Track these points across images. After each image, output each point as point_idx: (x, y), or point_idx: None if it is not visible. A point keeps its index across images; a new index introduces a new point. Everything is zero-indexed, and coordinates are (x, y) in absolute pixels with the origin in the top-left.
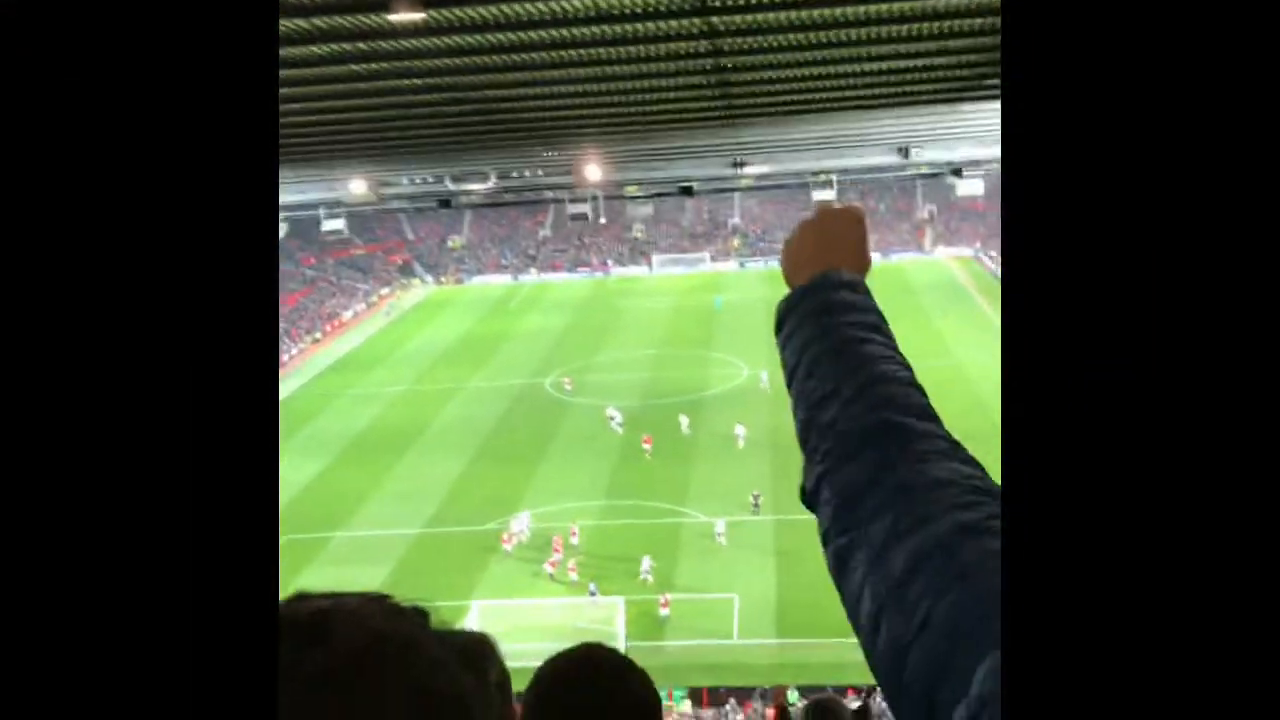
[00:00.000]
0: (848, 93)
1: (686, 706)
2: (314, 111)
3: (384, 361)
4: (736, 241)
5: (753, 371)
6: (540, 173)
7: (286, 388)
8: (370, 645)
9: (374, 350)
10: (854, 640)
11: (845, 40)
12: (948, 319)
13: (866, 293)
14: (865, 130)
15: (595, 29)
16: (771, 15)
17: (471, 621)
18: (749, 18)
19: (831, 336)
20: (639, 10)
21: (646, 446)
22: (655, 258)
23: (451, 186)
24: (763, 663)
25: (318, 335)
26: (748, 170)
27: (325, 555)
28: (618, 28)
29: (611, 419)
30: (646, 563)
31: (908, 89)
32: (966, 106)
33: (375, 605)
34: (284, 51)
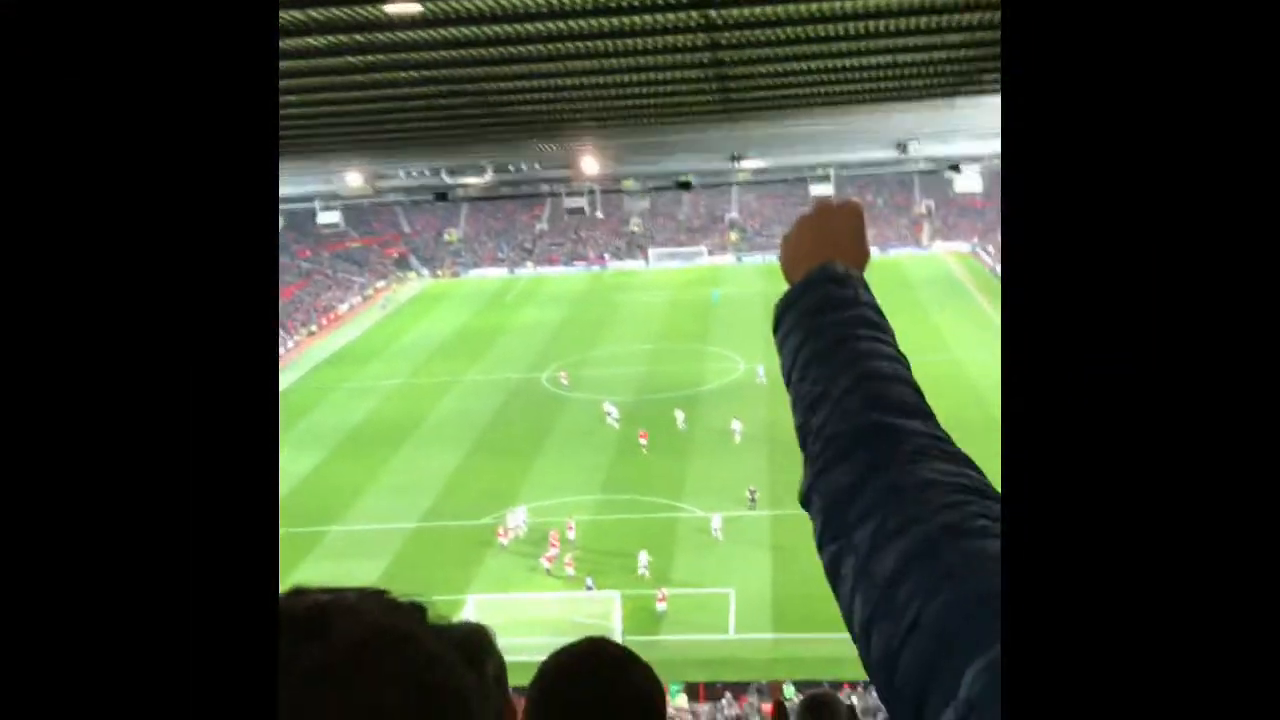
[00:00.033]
0: (845, 87)
1: (682, 701)
2: (310, 104)
3: (380, 355)
4: (734, 235)
5: (749, 366)
6: (537, 166)
7: (282, 381)
8: (369, 639)
9: (370, 343)
10: (849, 635)
11: (843, 34)
12: (945, 314)
13: (864, 286)
14: (863, 125)
15: (592, 21)
16: (769, 9)
17: (468, 616)
18: (747, 11)
19: (823, 335)
20: (636, 3)
21: (643, 441)
22: (652, 251)
23: (448, 179)
24: (758, 658)
25: (313, 328)
26: (745, 164)
27: (321, 549)
28: (615, 20)
29: (608, 414)
30: (644, 558)
31: (906, 83)
32: (964, 101)
33: (373, 600)
34: (280, 44)
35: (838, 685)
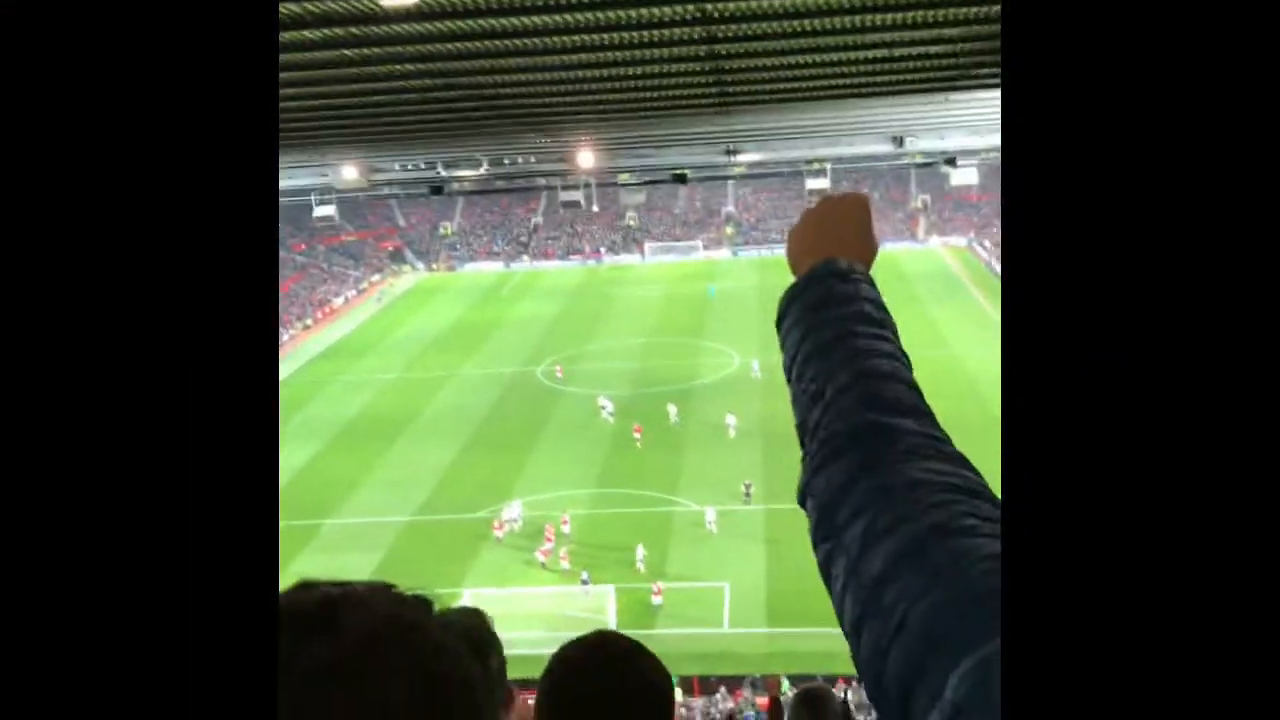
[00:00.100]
0: (842, 80)
1: (677, 695)
2: (306, 96)
3: (375, 348)
4: (730, 229)
5: (744, 360)
6: (533, 159)
7: None
8: (378, 631)
9: (365, 337)
10: (842, 633)
11: (839, 28)
12: (941, 308)
13: (868, 282)
14: (859, 118)
15: (588, 15)
16: (765, 2)
17: None
18: (743, 4)
19: (823, 331)
20: None
21: (637, 436)
22: (648, 245)
23: (443, 173)
24: (753, 652)
25: (308, 322)
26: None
27: (316, 542)
28: (611, 13)
29: (603, 408)
30: (640, 552)
31: (902, 77)
32: (960, 95)
33: (381, 593)
34: None
35: (832, 680)
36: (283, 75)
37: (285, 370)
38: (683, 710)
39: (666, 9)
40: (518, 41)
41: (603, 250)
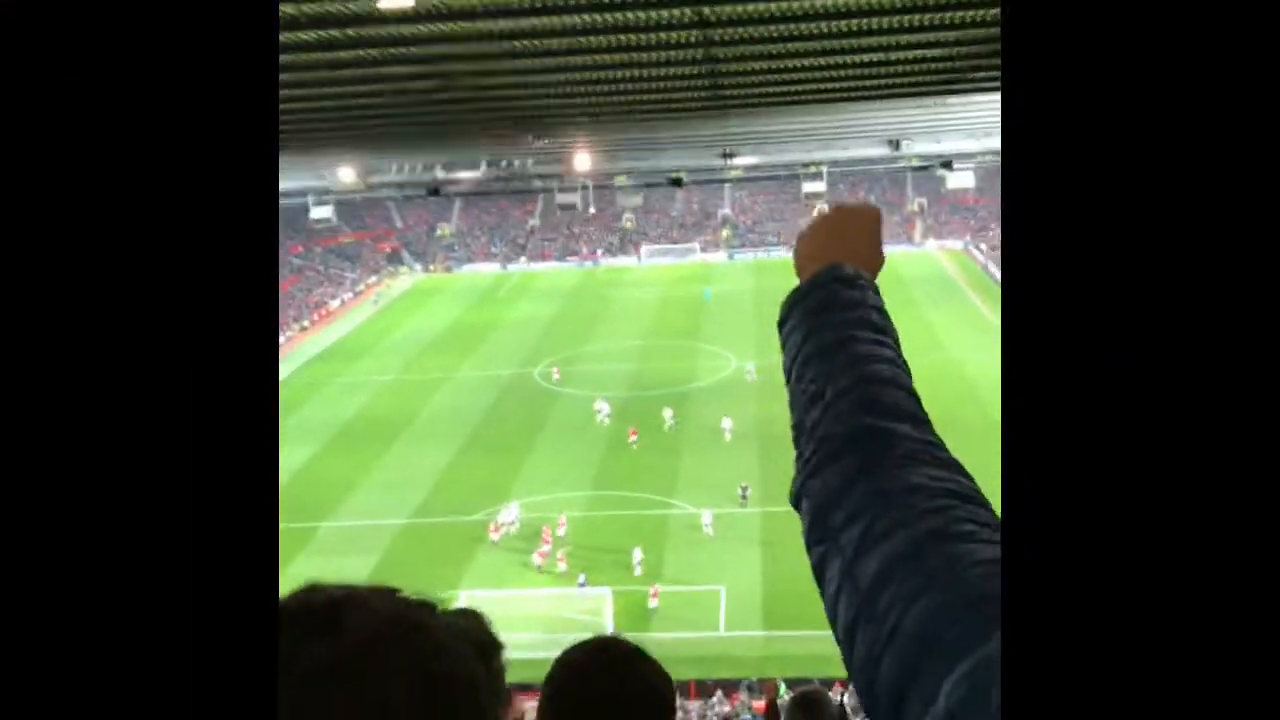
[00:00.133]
0: (838, 84)
1: None
2: (303, 99)
3: (372, 350)
4: (726, 232)
5: (740, 363)
6: (530, 162)
7: None
8: (381, 632)
9: (362, 339)
10: (835, 638)
11: (835, 31)
12: (938, 311)
13: (872, 289)
14: (855, 122)
15: (586, 18)
16: (762, 5)
17: None
18: (740, 8)
19: (823, 335)
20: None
21: (633, 438)
22: (644, 248)
23: (441, 175)
24: (749, 655)
25: (305, 323)
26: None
27: (313, 545)
28: (608, 16)
29: (599, 411)
30: (638, 554)
31: (898, 80)
32: (957, 99)
33: (387, 595)
34: None
35: (829, 683)
36: (282, 76)
37: (282, 372)
38: (679, 714)
39: (663, 12)
40: (514, 44)
41: (599, 252)
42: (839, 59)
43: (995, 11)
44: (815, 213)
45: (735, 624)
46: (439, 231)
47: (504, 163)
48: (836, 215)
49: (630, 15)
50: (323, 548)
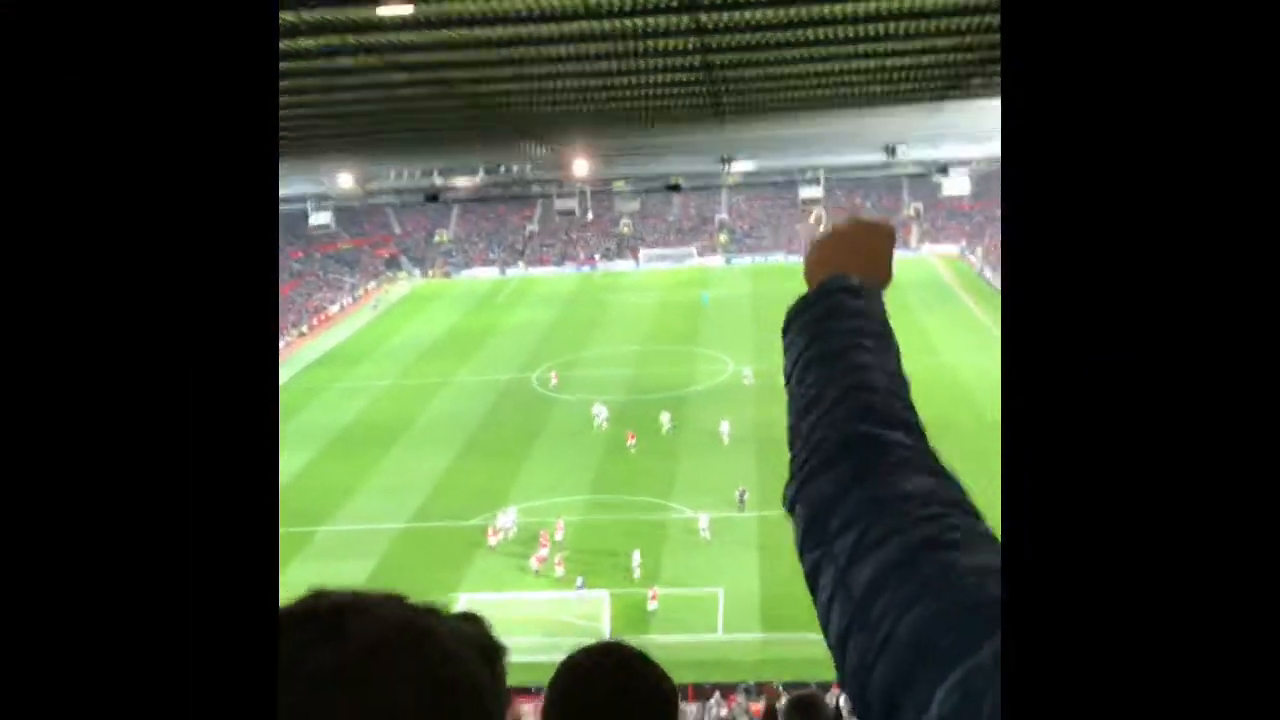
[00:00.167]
0: (834, 90)
1: None
2: (302, 105)
3: (370, 355)
4: (723, 237)
5: (738, 367)
6: (528, 168)
7: None
8: (387, 637)
9: (360, 344)
10: (827, 645)
11: (832, 38)
12: (934, 316)
13: (877, 301)
14: (852, 128)
15: (584, 25)
16: (759, 13)
17: None
18: (737, 15)
19: (825, 342)
20: (628, 7)
21: (631, 443)
22: (642, 253)
23: (439, 181)
24: (747, 658)
25: (304, 329)
26: (735, 167)
27: (311, 549)
28: (606, 24)
29: (597, 415)
30: (636, 557)
31: (894, 87)
32: (952, 105)
33: (392, 601)
34: None
35: (825, 686)
36: (281, 83)
37: (281, 377)
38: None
39: (662, 19)
40: (513, 51)
41: (597, 257)
42: (836, 66)
43: (991, 19)
44: (813, 219)
45: (733, 627)
46: (437, 237)
47: (502, 169)
48: (852, 229)
49: (629, 23)
50: (320, 552)
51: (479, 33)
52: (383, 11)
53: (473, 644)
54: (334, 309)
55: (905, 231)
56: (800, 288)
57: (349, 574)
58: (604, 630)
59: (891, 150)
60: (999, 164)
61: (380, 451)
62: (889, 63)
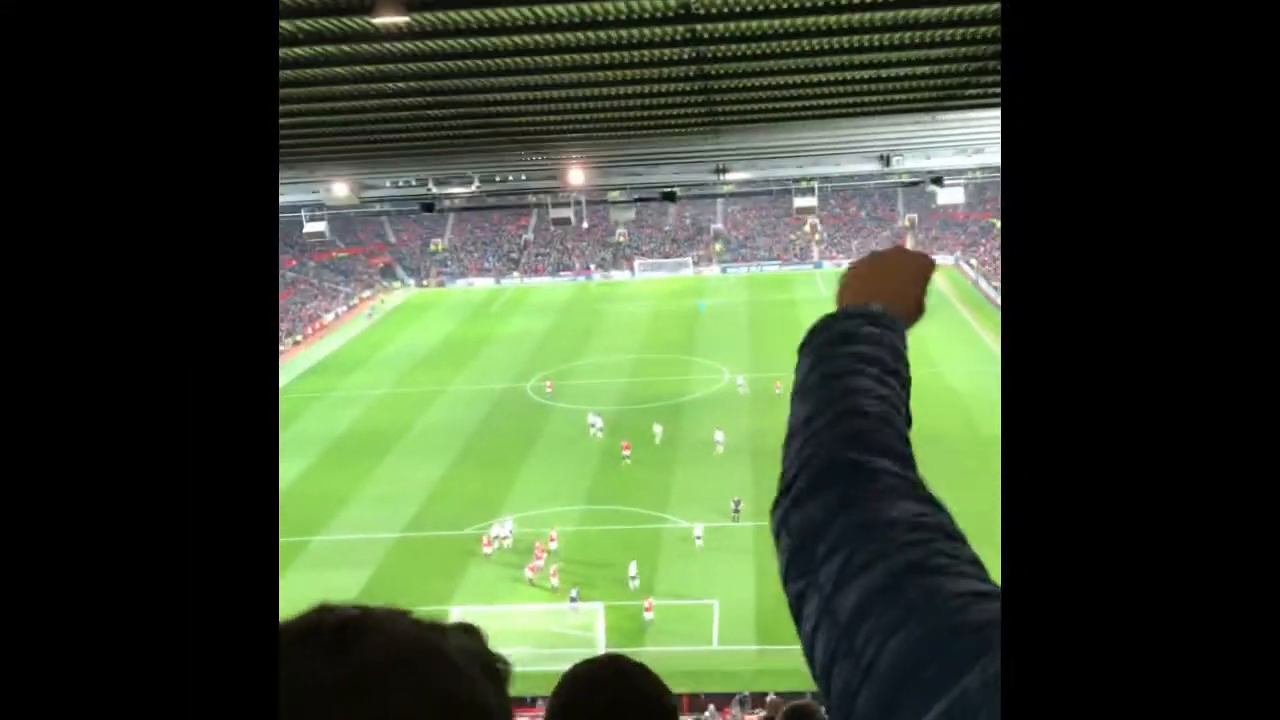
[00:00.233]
0: (830, 100)
1: None
2: (297, 114)
3: (365, 364)
4: (719, 246)
5: (733, 376)
6: (523, 176)
7: None
8: (399, 653)
9: (355, 353)
10: (811, 676)
11: (827, 49)
12: (929, 326)
13: (895, 330)
14: (847, 138)
15: (579, 34)
16: (754, 23)
17: None
18: (732, 25)
19: (829, 365)
20: (623, 17)
21: (626, 453)
22: (638, 262)
23: (434, 190)
24: (742, 669)
25: (298, 337)
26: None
27: (305, 558)
28: (602, 34)
29: (592, 425)
30: (634, 568)
31: (889, 97)
32: (947, 115)
33: (400, 617)
34: None
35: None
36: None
37: None
38: None
39: (657, 29)
40: (509, 60)
41: (593, 267)
42: (831, 75)
43: (986, 30)
44: (807, 228)
45: (728, 638)
46: (432, 246)
47: (497, 178)
48: (891, 257)
49: (624, 33)
50: (315, 561)
51: (475, 42)
52: (378, 21)
53: (479, 661)
54: (329, 318)
55: (900, 242)
56: (794, 298)
57: (344, 584)
58: (599, 641)
59: (886, 160)
60: (993, 175)
61: (375, 460)
62: (884, 73)
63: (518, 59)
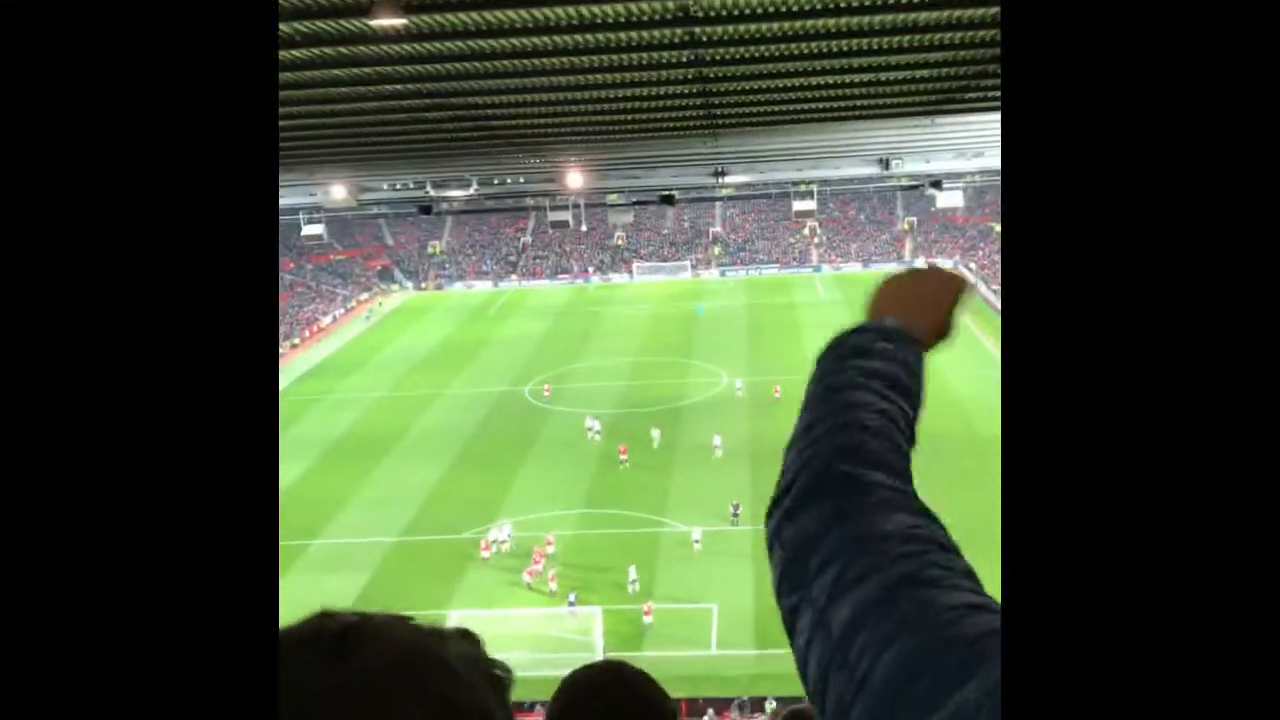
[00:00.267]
0: (828, 104)
1: None
2: (295, 116)
3: (363, 367)
4: (717, 249)
5: (732, 380)
6: (522, 180)
7: None
8: (399, 659)
9: (353, 355)
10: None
11: (826, 52)
12: None
13: (911, 350)
14: (846, 141)
15: (577, 37)
16: (753, 26)
17: None
18: (731, 29)
19: (836, 377)
20: (622, 19)
21: (623, 457)
22: (636, 265)
23: (432, 192)
24: (741, 674)
25: (296, 340)
26: (729, 179)
27: (303, 562)
28: (600, 36)
29: (590, 428)
30: (633, 572)
31: (888, 101)
32: (946, 119)
33: (401, 624)
34: None
35: None
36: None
37: None
38: None
39: (655, 32)
40: (507, 63)
41: (591, 270)
42: (830, 79)
43: (985, 33)
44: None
45: (727, 642)
46: (430, 249)
47: (495, 180)
48: (923, 275)
49: (623, 35)
50: (313, 565)
51: (473, 45)
52: (376, 23)
53: (480, 668)
54: (326, 320)
55: (899, 245)
56: (793, 301)
57: (342, 587)
58: (597, 645)
59: (885, 164)
60: (992, 178)
61: (372, 464)
62: (883, 76)
63: (516, 61)
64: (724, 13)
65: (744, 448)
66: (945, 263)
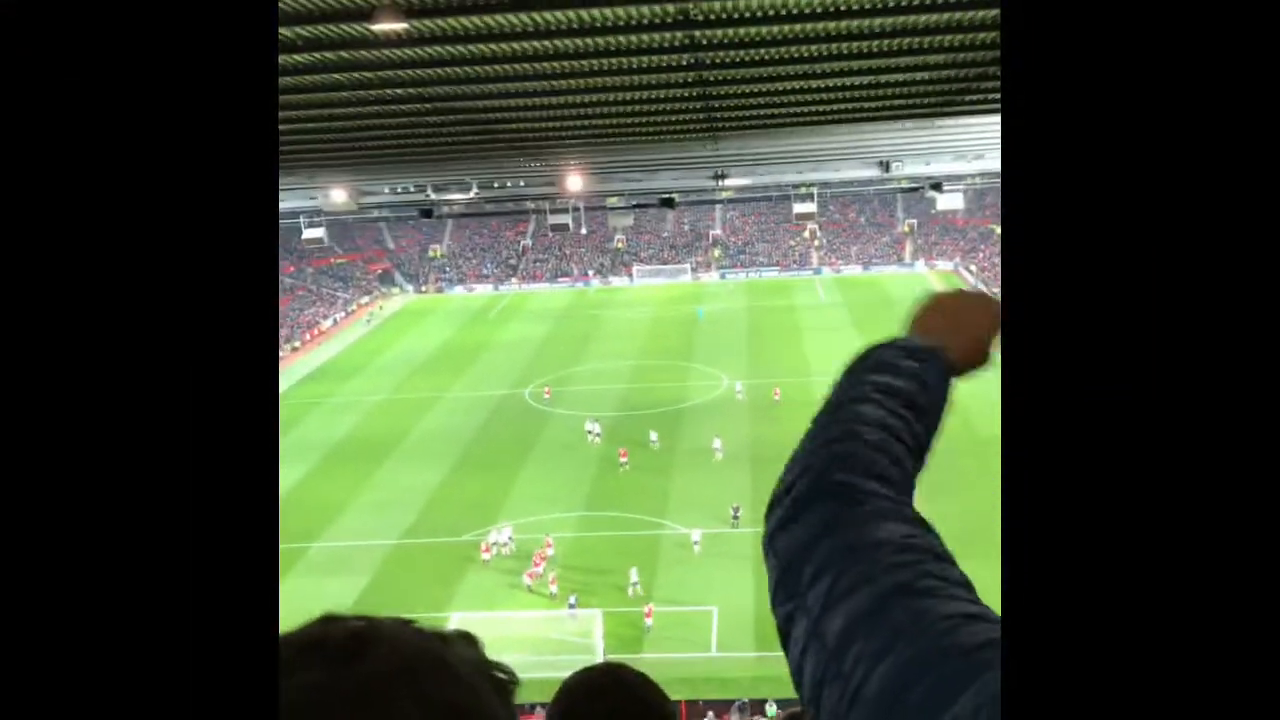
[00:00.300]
0: (828, 107)
1: None
2: (296, 120)
3: (363, 370)
4: (717, 252)
5: (732, 382)
6: (522, 183)
7: None
8: (403, 664)
9: (353, 359)
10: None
11: (826, 55)
12: None
13: (937, 371)
14: (846, 144)
15: (578, 41)
16: (753, 29)
17: None
18: (731, 32)
19: (850, 389)
20: (622, 23)
21: (623, 460)
22: (636, 268)
23: (433, 196)
24: (741, 676)
25: (296, 344)
26: (729, 182)
27: (303, 565)
28: (600, 40)
29: (590, 431)
30: (634, 574)
31: (889, 103)
32: (946, 121)
33: (405, 628)
34: None
35: None
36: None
37: None
38: None
39: (655, 35)
40: (507, 67)
41: (591, 273)
42: (830, 82)
43: (985, 35)
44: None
45: (727, 644)
46: (431, 252)
47: (496, 184)
48: (963, 298)
49: (623, 39)
50: (313, 568)
51: (473, 49)
52: (376, 28)
53: (485, 672)
54: (327, 324)
55: (900, 247)
56: (793, 304)
57: (342, 590)
58: (597, 648)
59: (886, 166)
60: (992, 181)
61: (373, 467)
62: (883, 79)
63: (516, 65)
64: (724, 16)
65: (744, 450)
66: (946, 264)
